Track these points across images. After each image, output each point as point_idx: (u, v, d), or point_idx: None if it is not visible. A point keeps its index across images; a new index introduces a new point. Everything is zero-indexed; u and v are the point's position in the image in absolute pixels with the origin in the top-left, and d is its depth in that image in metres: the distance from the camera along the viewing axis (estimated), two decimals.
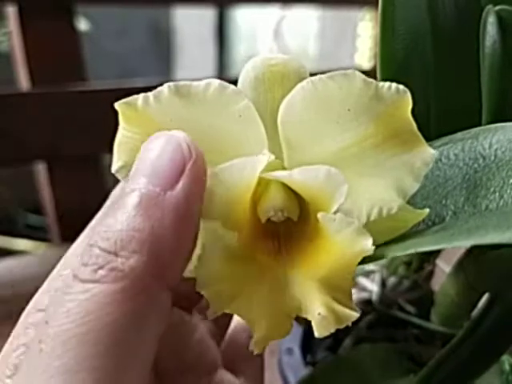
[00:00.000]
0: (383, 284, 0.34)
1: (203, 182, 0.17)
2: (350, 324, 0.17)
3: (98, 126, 0.71)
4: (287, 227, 0.19)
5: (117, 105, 0.18)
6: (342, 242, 0.16)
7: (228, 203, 0.17)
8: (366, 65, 1.57)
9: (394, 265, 0.33)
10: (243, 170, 0.17)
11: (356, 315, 0.16)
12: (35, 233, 1.27)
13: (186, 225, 0.16)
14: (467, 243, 0.14)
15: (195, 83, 0.18)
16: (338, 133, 0.18)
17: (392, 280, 0.33)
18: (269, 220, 0.18)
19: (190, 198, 0.16)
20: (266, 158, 0.17)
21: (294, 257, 0.18)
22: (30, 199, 1.01)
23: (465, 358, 0.27)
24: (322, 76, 0.18)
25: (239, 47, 1.89)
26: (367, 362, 0.33)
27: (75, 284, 0.15)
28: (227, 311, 0.17)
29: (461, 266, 0.26)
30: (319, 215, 0.17)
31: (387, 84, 0.17)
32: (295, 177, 0.17)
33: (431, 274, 0.33)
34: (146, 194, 0.16)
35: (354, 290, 0.37)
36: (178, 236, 0.16)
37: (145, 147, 0.17)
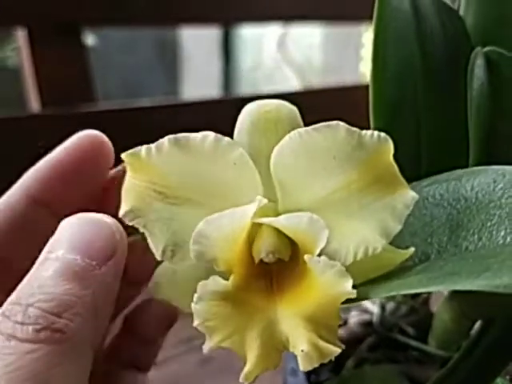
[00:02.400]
0: (383, 308, 0.35)
1: (123, 263, 0.20)
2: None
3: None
4: (279, 267, 0.20)
5: (123, 155, 0.20)
6: (325, 282, 0.18)
7: (222, 246, 0.19)
8: None
9: None
10: (234, 219, 0.18)
11: (338, 351, 0.18)
12: None
13: (111, 295, 0.20)
14: (442, 288, 0.15)
15: (193, 135, 0.20)
16: (325, 179, 0.19)
17: (390, 305, 0.34)
18: (262, 261, 0.20)
19: (116, 273, 0.20)
20: (255, 205, 0.18)
21: (285, 295, 0.19)
22: None
23: (460, 380, 0.28)
24: (308, 128, 0.19)
25: (245, 60, 1.91)
26: (369, 382, 0.34)
27: (13, 344, 0.16)
28: (221, 345, 0.18)
29: (453, 294, 0.27)
30: (306, 257, 0.18)
31: (369, 132, 0.19)
32: (282, 222, 0.19)
33: (428, 299, 0.34)
34: (82, 266, 0.18)
35: (355, 312, 0.38)
36: (108, 302, 0.19)
37: (82, 224, 0.20)
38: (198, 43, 1.85)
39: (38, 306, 0.17)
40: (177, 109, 0.83)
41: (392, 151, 0.19)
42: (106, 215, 0.20)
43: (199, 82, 1.86)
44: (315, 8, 0.95)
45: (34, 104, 0.72)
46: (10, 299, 0.18)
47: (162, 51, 1.89)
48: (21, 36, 0.70)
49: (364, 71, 1.65)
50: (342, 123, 0.19)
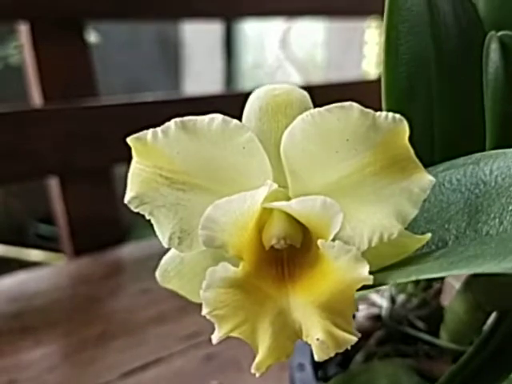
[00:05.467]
0: (392, 301, 0.34)
1: None
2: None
3: (108, 139, 0.73)
4: (290, 253, 0.19)
5: (129, 139, 0.19)
6: (340, 268, 0.17)
7: (231, 232, 0.18)
8: (374, 71, 1.58)
9: (402, 283, 0.33)
10: (243, 203, 0.18)
11: (355, 339, 0.17)
12: (46, 243, 1.28)
13: None
14: (465, 272, 0.14)
15: (200, 118, 0.19)
16: (338, 162, 0.18)
17: (401, 297, 0.34)
18: (272, 247, 0.19)
19: None
20: (266, 189, 0.18)
21: (297, 282, 0.19)
22: (42, 209, 1.02)
23: (474, 374, 0.27)
24: (321, 109, 0.18)
25: (247, 58, 1.90)
26: (378, 377, 0.33)
27: None
28: (231, 335, 0.17)
29: (468, 285, 0.26)
30: (319, 242, 0.18)
31: (384, 114, 0.18)
32: (294, 207, 0.18)
33: (440, 291, 0.33)
34: None
35: (363, 306, 0.38)
36: None
37: None
38: (200, 41, 1.85)
39: None
40: (179, 104, 0.82)
41: (407, 133, 0.18)
42: None
43: (201, 79, 1.85)
44: (319, 2, 0.94)
45: (37, 99, 0.72)
46: None
47: (165, 49, 1.89)
48: (23, 31, 0.70)
49: (367, 69, 1.64)
50: (355, 104, 0.18)
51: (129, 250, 0.74)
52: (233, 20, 1.58)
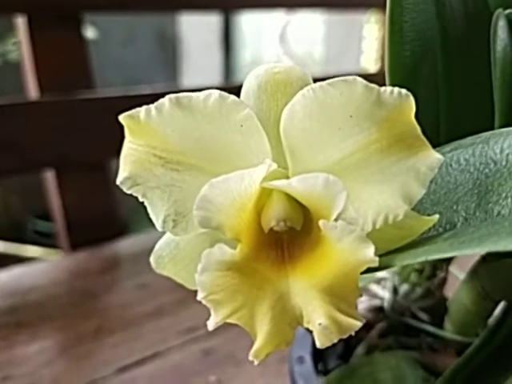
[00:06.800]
0: (395, 291, 0.33)
1: None
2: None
3: (105, 133, 0.72)
4: (291, 236, 0.18)
5: (121, 117, 0.18)
6: (343, 250, 0.16)
7: (229, 212, 0.17)
8: (373, 67, 1.57)
9: (405, 272, 0.32)
10: (241, 183, 0.17)
11: (359, 324, 0.16)
12: (44, 239, 1.28)
13: None
14: (479, 250, 0.13)
15: (195, 94, 0.18)
16: (340, 140, 0.18)
17: (404, 287, 0.33)
18: (272, 229, 0.18)
19: None
20: (265, 168, 0.17)
21: (297, 266, 0.18)
22: (39, 205, 1.01)
23: (481, 368, 0.26)
24: (323, 83, 0.17)
25: (245, 53, 1.89)
26: (380, 370, 0.33)
27: None
28: (228, 321, 0.17)
29: (475, 273, 0.26)
30: (321, 223, 0.17)
31: (389, 88, 0.17)
32: (294, 185, 0.17)
33: (444, 281, 0.32)
34: None
35: (365, 298, 0.37)
36: None
37: None
38: (198, 36, 1.84)
39: None
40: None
41: (414, 109, 0.17)
42: None
43: (199, 74, 1.84)
44: None
45: (33, 92, 0.71)
46: None
47: (162, 44, 1.88)
48: (21, 23, 0.69)
49: (365, 65, 1.63)
50: (359, 78, 0.17)
51: (126, 245, 0.73)
52: (231, 12, 1.56)
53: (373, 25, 1.57)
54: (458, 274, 0.33)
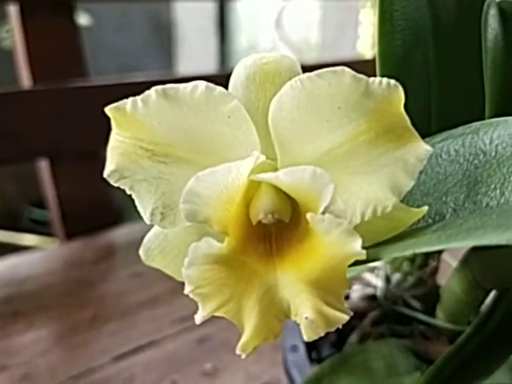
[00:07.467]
0: (388, 280, 0.33)
1: None
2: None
3: (99, 121, 0.71)
4: (279, 229, 0.18)
5: (107, 109, 0.18)
6: (331, 243, 0.16)
7: (216, 206, 0.17)
8: (369, 52, 1.56)
9: (397, 261, 0.32)
10: (228, 175, 0.16)
11: (347, 318, 0.16)
12: (40, 227, 1.28)
13: None
14: (466, 244, 0.13)
15: (182, 86, 0.18)
16: (329, 131, 0.17)
17: (396, 276, 0.33)
18: (260, 222, 0.18)
19: None
20: (252, 160, 0.17)
21: (285, 258, 0.18)
22: (35, 193, 1.01)
23: (474, 355, 0.26)
24: (311, 74, 0.17)
25: (240, 38, 1.87)
26: (373, 358, 0.33)
27: None
28: (216, 314, 0.17)
29: (466, 262, 0.26)
30: (308, 216, 0.17)
31: (378, 79, 0.17)
32: (282, 178, 0.17)
33: (436, 269, 0.32)
34: None
35: (358, 286, 0.37)
36: None
37: None
38: (193, 21, 1.82)
39: None
40: (172, 84, 0.81)
41: (403, 100, 0.17)
42: None
43: (195, 60, 1.83)
44: None
45: (26, 80, 0.70)
46: None
47: (157, 30, 1.86)
48: (13, 11, 0.68)
49: (361, 50, 1.62)
50: (347, 69, 0.17)
51: (121, 234, 0.73)
52: None
53: (369, 10, 1.56)
54: (450, 261, 0.33)
